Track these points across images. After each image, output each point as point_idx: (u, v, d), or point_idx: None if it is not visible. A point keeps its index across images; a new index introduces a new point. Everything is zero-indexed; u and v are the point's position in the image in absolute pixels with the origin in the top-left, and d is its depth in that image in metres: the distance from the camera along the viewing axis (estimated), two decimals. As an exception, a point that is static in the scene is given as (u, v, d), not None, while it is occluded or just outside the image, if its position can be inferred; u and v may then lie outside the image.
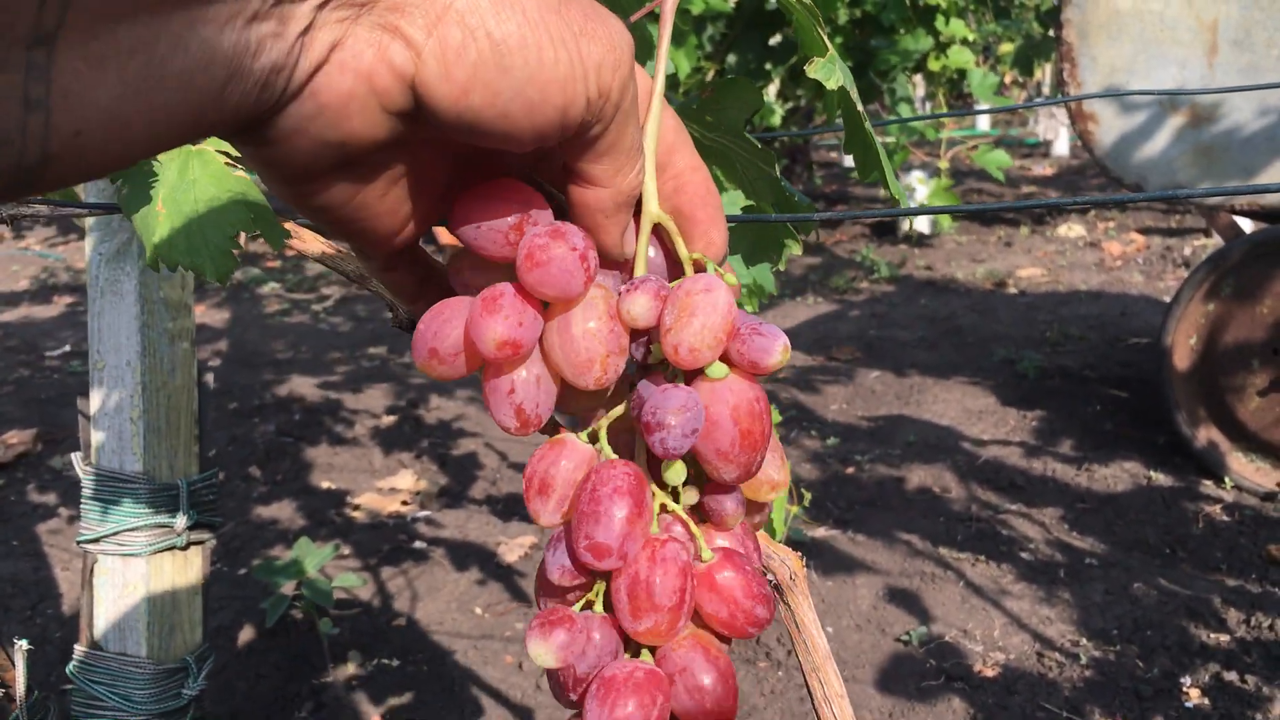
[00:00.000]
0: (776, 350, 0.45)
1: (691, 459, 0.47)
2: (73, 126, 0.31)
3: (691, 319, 0.43)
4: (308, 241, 1.01)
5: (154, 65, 0.32)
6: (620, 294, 0.45)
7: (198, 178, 0.89)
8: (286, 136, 0.38)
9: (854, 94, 0.85)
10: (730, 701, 0.46)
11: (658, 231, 0.49)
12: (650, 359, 0.47)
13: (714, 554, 0.47)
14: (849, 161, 10.59)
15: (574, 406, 0.49)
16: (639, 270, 0.47)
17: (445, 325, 0.44)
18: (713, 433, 0.45)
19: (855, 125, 0.87)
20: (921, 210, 0.77)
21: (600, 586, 0.45)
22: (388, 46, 0.37)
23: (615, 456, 0.46)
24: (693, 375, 0.46)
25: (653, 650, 0.46)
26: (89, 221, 1.66)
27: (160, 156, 0.89)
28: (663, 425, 0.43)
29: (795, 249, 1.04)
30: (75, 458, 1.61)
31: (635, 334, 0.46)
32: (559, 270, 0.42)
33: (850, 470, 3.34)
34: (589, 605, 0.46)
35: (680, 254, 0.47)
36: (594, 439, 0.47)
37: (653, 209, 0.47)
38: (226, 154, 0.90)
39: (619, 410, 0.48)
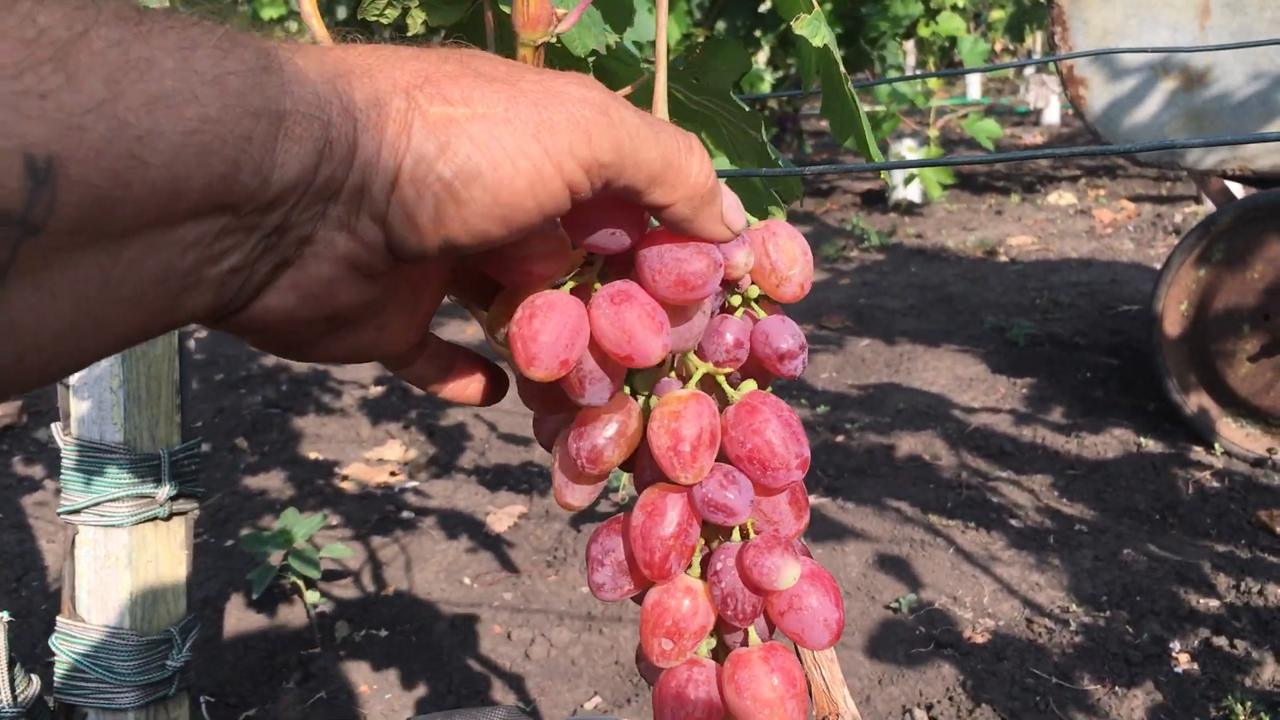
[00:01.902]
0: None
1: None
2: (16, 354, 0.30)
3: (804, 258, 0.52)
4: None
5: (109, 288, 0.31)
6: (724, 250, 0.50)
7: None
8: (268, 324, 0.38)
9: (837, 54, 0.83)
10: None
11: None
12: (725, 302, 0.54)
13: None
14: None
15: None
16: None
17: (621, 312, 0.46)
18: None
19: (835, 87, 0.85)
20: (911, 163, 0.75)
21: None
22: (356, 226, 0.37)
23: (742, 395, 0.51)
24: (743, 308, 0.53)
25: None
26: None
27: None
28: (796, 352, 0.50)
29: (780, 216, 1.02)
30: (55, 428, 1.59)
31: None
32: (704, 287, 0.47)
33: (840, 438, 3.33)
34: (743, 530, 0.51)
35: None
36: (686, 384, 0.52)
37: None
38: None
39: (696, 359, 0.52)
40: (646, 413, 0.51)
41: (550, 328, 0.45)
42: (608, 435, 0.49)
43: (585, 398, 0.47)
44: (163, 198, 0.30)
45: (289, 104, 0.33)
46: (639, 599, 0.52)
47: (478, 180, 0.37)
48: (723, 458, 0.50)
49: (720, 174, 0.86)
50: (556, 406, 0.52)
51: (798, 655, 0.52)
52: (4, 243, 0.28)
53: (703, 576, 0.50)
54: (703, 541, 0.50)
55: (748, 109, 0.87)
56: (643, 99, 0.98)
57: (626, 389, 0.52)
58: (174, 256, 0.32)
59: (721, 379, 0.51)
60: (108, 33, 0.29)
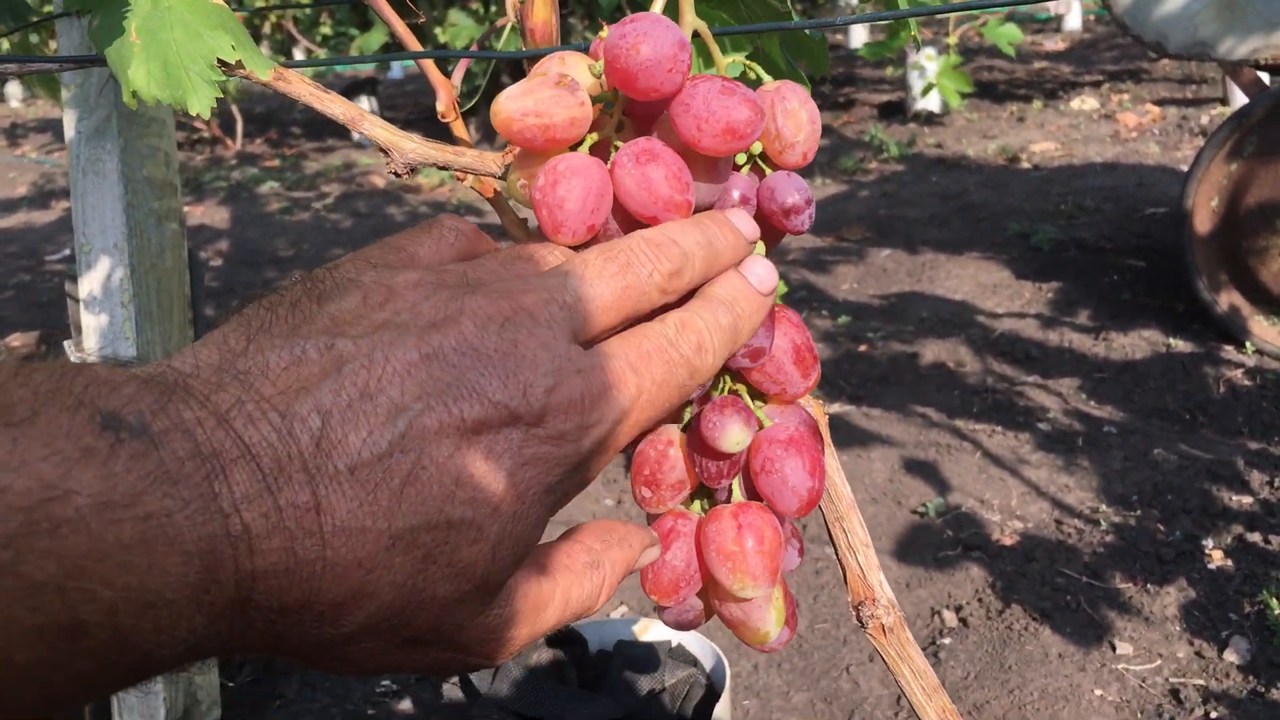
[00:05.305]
0: None
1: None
2: None
3: (811, 126, 0.50)
4: (293, 83, 0.94)
5: None
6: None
7: (173, 5, 0.82)
8: None
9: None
10: None
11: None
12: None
13: None
14: (855, 42, 10.35)
15: None
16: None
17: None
18: None
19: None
20: (933, 10, 0.70)
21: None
22: None
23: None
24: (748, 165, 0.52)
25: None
26: (66, 97, 1.59)
27: (132, -16, 0.82)
28: (801, 207, 0.49)
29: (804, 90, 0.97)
30: (68, 345, 1.57)
31: None
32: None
33: (863, 348, 3.29)
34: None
35: (718, 61, 0.52)
36: None
37: None
38: (199, -16, 0.83)
39: None
40: None
41: (576, 195, 0.45)
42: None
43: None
44: None
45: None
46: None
47: None
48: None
49: (732, 31, 0.81)
50: None
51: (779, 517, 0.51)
52: None
53: (685, 428, 0.51)
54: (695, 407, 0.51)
55: (768, -25, 0.82)
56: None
57: None
58: None
59: None
60: None
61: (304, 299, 0.37)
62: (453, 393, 0.35)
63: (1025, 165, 5.45)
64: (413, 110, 8.78)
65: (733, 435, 0.46)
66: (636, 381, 0.39)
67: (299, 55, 12.70)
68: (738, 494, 0.50)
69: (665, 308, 0.43)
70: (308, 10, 8.30)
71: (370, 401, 0.34)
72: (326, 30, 8.55)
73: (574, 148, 0.48)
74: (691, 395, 0.46)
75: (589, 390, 0.38)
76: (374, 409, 0.34)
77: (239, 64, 0.79)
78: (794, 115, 0.50)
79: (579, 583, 0.41)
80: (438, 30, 6.34)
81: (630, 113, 0.50)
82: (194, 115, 0.78)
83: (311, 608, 0.33)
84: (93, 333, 1.55)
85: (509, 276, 0.41)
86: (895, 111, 7.20)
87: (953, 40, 6.81)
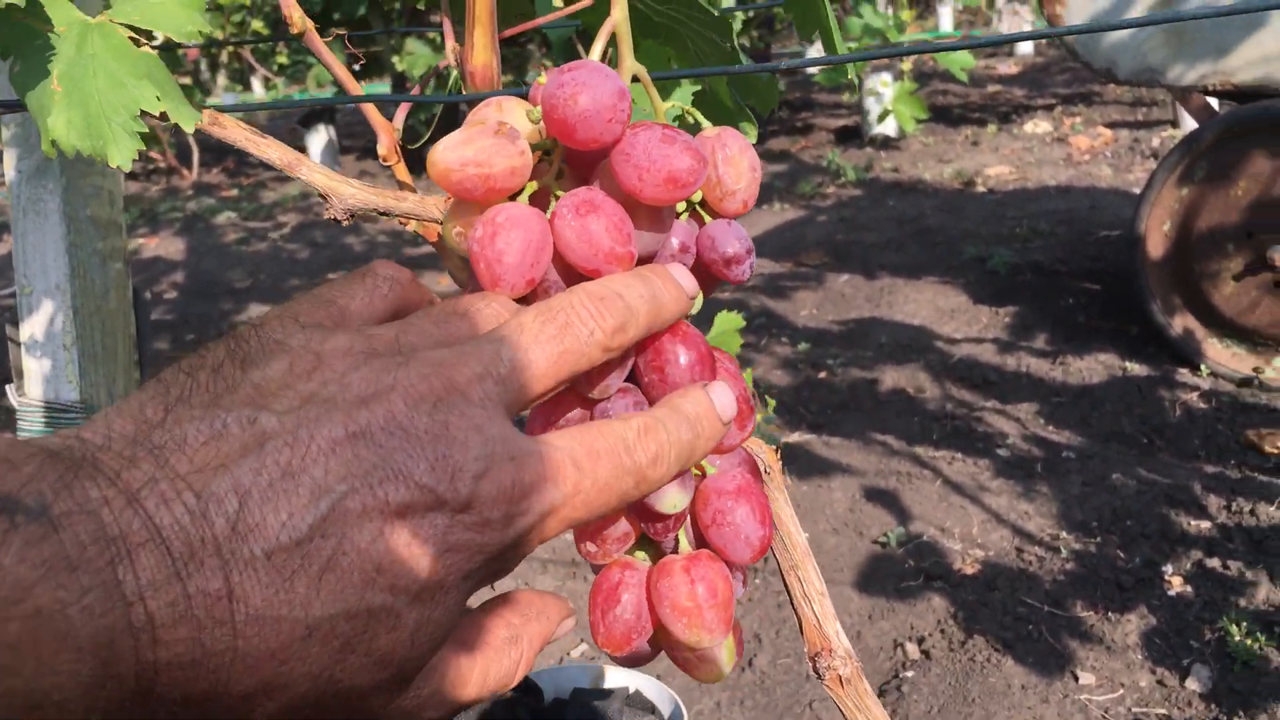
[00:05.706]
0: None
1: None
2: None
3: (751, 174, 0.49)
4: (228, 128, 0.92)
5: None
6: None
7: (97, 53, 0.80)
8: None
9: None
10: None
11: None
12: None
13: None
14: (813, 68, 10.41)
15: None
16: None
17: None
18: None
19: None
20: (883, 53, 0.69)
21: None
22: None
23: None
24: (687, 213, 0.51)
25: None
26: (5, 136, 1.56)
27: (59, 28, 0.79)
28: (742, 257, 0.48)
29: (752, 135, 0.96)
30: (10, 389, 1.53)
31: None
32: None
33: (823, 375, 3.28)
34: None
35: (656, 106, 0.51)
36: None
37: (617, 16, 0.50)
38: (131, 28, 0.81)
39: None
40: None
41: (515, 248, 0.43)
42: None
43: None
44: None
45: None
46: None
47: None
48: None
49: (680, 75, 0.80)
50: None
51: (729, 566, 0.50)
52: None
53: None
54: None
55: (716, 14, 0.81)
56: (602, 11, 0.92)
57: None
58: None
59: None
60: None
61: (226, 363, 0.36)
62: (378, 474, 0.33)
63: (980, 189, 5.50)
64: (371, 139, 8.75)
65: (670, 499, 0.45)
66: (576, 478, 0.37)
67: (256, 84, 12.66)
68: (683, 541, 0.49)
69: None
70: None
71: (292, 481, 0.32)
72: (284, 59, 8.51)
73: (513, 197, 0.47)
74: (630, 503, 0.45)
75: (519, 480, 0.36)
76: (295, 490, 0.32)
77: (164, 115, 0.76)
78: (734, 162, 0.49)
79: (498, 659, 0.40)
80: (395, 59, 6.32)
81: (570, 161, 0.49)
82: (115, 166, 0.76)
83: (219, 700, 0.31)
84: (35, 377, 1.51)
85: (444, 339, 0.39)
86: (852, 136, 7.25)
87: (907, 66, 6.87)
